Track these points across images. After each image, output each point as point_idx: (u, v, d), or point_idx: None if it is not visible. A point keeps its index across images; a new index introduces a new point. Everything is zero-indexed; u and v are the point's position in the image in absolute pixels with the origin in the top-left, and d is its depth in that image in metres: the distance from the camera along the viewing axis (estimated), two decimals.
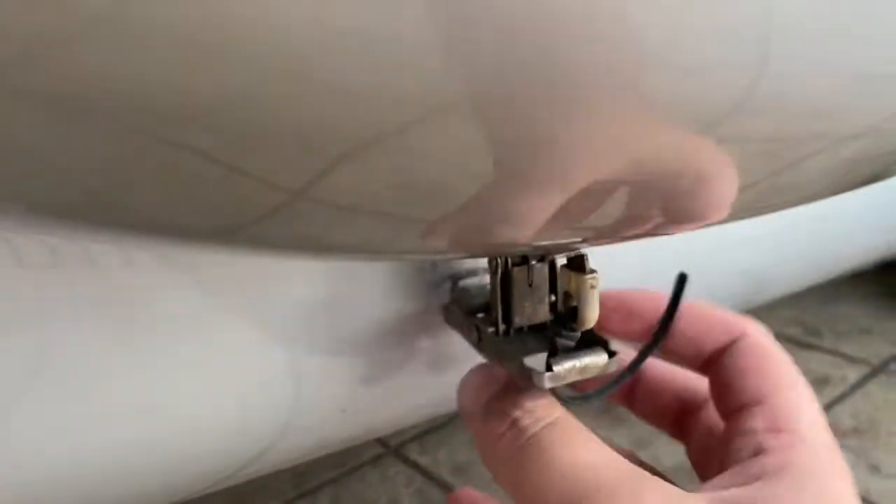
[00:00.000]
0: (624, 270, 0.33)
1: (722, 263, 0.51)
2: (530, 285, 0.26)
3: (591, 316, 0.25)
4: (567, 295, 0.26)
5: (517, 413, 0.26)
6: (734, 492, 0.25)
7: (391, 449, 0.92)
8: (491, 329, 0.27)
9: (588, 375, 0.26)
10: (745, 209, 0.20)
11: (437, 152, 0.14)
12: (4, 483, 0.25)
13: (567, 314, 0.26)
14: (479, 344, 0.28)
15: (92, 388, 0.27)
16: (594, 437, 0.27)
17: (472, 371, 0.29)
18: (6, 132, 0.13)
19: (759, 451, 0.27)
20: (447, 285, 0.29)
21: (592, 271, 0.25)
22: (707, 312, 0.31)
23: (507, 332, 0.27)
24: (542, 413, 0.26)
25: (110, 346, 0.27)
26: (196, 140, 0.13)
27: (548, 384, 0.25)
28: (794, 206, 0.21)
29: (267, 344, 0.29)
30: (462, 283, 0.29)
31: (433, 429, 0.95)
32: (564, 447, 0.25)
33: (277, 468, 0.36)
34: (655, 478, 0.25)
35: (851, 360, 1.02)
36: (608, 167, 0.15)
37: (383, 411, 0.34)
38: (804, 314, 1.16)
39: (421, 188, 0.15)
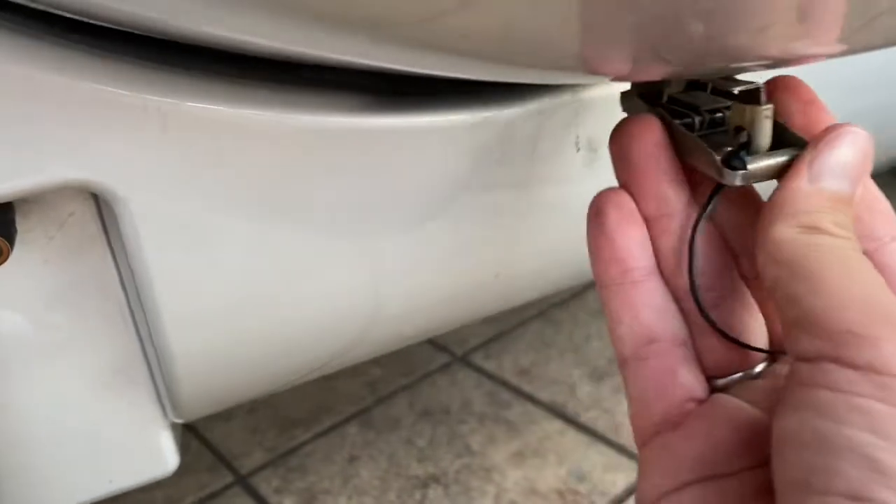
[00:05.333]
0: None
1: None
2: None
3: (766, 144, 0.24)
4: (739, 129, 0.24)
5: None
6: None
7: (457, 357, 0.97)
8: (679, 121, 0.26)
9: (780, 178, 0.24)
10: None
11: None
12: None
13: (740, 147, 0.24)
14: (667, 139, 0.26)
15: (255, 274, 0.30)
16: None
17: None
18: None
19: None
20: None
21: (768, 103, 0.24)
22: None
23: (699, 126, 0.26)
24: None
25: None
26: None
27: (739, 182, 0.24)
28: None
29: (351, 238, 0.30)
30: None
31: (496, 337, 0.99)
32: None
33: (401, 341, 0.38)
34: None
35: None
36: None
37: (530, 272, 0.34)
38: None
39: None
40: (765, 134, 0.24)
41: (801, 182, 0.23)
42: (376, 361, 0.98)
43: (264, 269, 0.28)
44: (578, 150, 0.31)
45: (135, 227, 0.24)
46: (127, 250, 0.25)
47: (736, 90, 0.25)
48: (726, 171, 0.24)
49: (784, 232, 0.22)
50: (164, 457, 0.32)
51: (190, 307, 0.27)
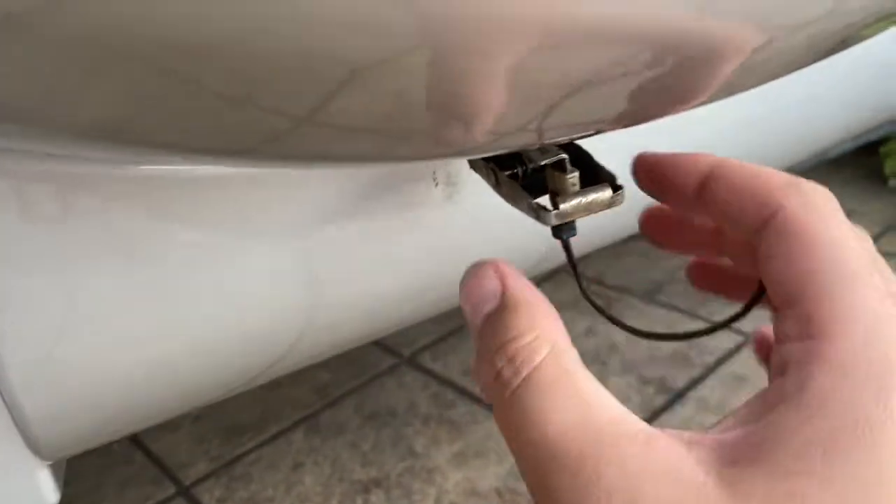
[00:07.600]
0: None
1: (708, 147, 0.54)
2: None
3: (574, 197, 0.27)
4: (553, 192, 0.28)
5: (500, 364, 0.22)
6: (737, 434, 0.20)
7: (405, 358, 0.98)
8: (506, 173, 0.29)
9: (595, 210, 0.27)
10: (726, 87, 0.22)
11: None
12: (64, 397, 0.29)
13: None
14: (497, 186, 0.30)
15: (121, 314, 0.31)
16: (581, 379, 0.22)
17: (472, 272, 0.25)
18: (49, 71, 0.15)
19: (784, 368, 0.21)
20: None
21: (573, 171, 0.27)
22: (739, 181, 0.24)
23: (522, 176, 0.28)
24: (525, 357, 0.22)
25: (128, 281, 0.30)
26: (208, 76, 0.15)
27: (554, 221, 0.27)
28: (765, 83, 0.24)
29: (278, 254, 0.31)
30: None
31: (443, 337, 1.00)
32: (541, 410, 0.21)
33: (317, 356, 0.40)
34: (627, 438, 0.20)
35: None
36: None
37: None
38: None
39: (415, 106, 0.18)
40: (571, 194, 0.27)
41: None
42: (325, 366, 0.98)
43: (119, 312, 0.28)
44: (437, 184, 0.32)
45: None
46: None
47: (544, 162, 0.28)
48: (542, 213, 0.27)
49: None
50: (42, 494, 0.32)
51: (38, 354, 0.27)
